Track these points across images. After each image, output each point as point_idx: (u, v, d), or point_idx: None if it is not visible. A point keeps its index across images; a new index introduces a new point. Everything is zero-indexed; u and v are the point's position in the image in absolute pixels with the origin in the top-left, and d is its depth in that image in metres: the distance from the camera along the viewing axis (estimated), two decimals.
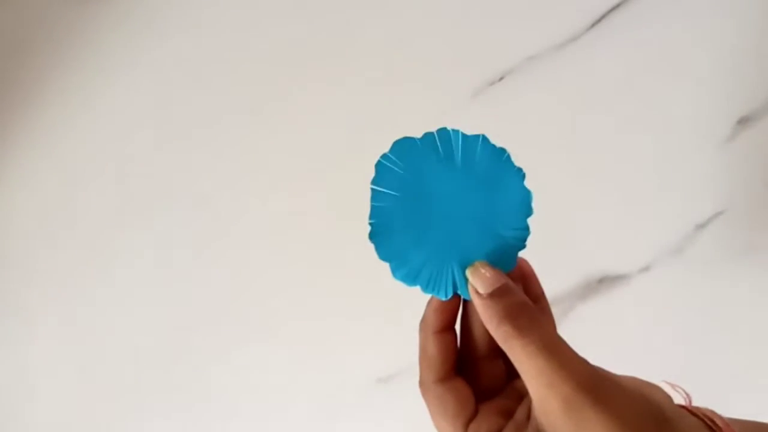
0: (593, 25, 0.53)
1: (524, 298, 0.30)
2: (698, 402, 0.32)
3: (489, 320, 0.29)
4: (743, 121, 0.53)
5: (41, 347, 0.55)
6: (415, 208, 0.32)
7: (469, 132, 0.32)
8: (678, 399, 0.32)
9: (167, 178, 0.56)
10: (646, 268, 0.52)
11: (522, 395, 0.32)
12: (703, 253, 0.52)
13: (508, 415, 0.31)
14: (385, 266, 0.52)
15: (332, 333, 0.54)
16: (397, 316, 0.53)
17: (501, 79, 0.52)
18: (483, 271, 0.30)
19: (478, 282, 0.30)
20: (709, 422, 0.29)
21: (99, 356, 0.55)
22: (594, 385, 0.27)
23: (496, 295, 0.30)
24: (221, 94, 0.56)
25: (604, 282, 0.52)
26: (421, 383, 0.33)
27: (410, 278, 0.32)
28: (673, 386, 0.32)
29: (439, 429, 0.32)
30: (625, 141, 0.53)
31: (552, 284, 0.35)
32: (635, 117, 0.53)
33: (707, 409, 0.31)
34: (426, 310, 0.32)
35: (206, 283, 0.55)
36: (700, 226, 0.52)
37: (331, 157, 0.55)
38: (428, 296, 0.33)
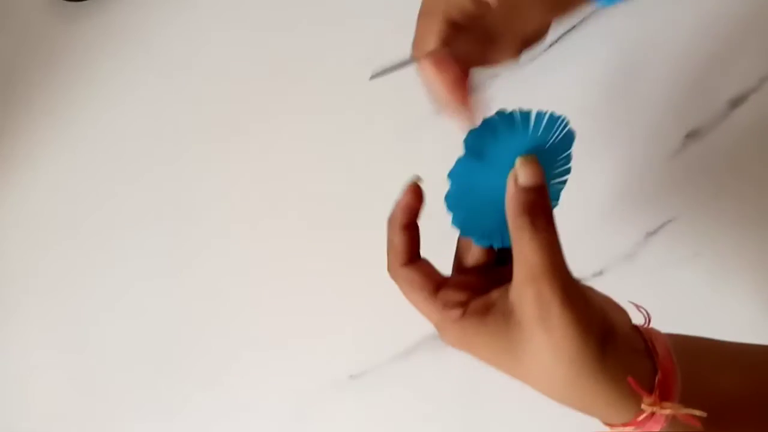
0: (550, 45, 0.56)
1: (549, 205, 0.34)
2: None
3: (514, 207, 0.33)
4: (692, 135, 0.55)
5: (36, 351, 0.58)
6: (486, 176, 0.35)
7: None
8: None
9: (160, 188, 0.58)
10: (599, 273, 0.55)
11: (500, 281, 0.35)
12: (653, 259, 0.55)
13: (477, 289, 0.35)
14: (360, 263, 0.55)
15: (304, 330, 0.56)
16: (369, 314, 0.56)
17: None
18: (531, 165, 0.34)
19: (523, 173, 0.34)
20: (650, 344, 0.34)
21: (93, 359, 0.57)
22: (567, 291, 0.32)
23: (530, 190, 0.33)
24: (211, 108, 0.58)
25: None
26: (390, 269, 0.37)
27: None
28: (638, 307, 0.37)
29: (412, 303, 0.37)
30: (580, 153, 0.56)
31: None
32: (589, 130, 0.56)
33: (656, 332, 0.36)
34: (394, 210, 0.37)
35: (190, 286, 0.57)
36: (651, 234, 0.55)
37: (308, 168, 0.58)
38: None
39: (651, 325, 0.37)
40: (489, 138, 0.34)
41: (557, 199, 0.37)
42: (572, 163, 0.37)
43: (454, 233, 0.37)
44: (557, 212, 0.34)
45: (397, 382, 0.56)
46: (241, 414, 0.56)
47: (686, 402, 0.33)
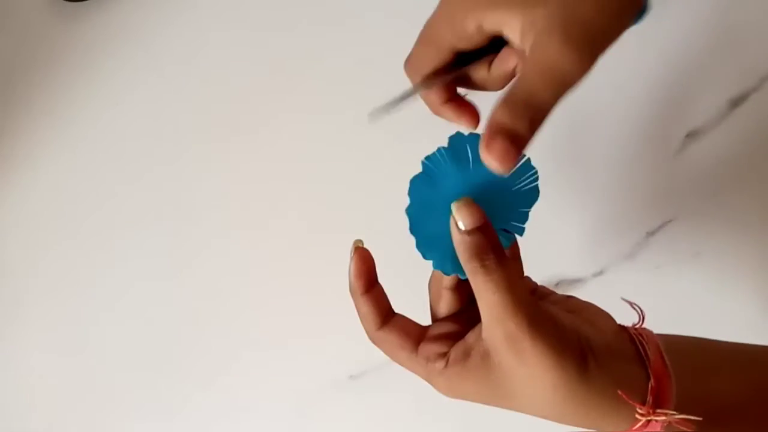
0: None
1: (497, 242, 0.33)
2: None
3: (461, 254, 0.33)
4: (692, 135, 0.56)
5: (36, 351, 0.58)
6: (438, 206, 0.35)
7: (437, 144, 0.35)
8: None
9: (160, 188, 0.58)
10: (600, 273, 0.55)
11: (474, 322, 0.36)
12: (653, 258, 0.55)
13: (455, 335, 0.36)
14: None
15: (304, 330, 0.56)
16: None
17: (465, 95, 0.55)
18: (467, 208, 0.33)
19: (461, 217, 0.33)
20: (641, 349, 0.34)
21: (93, 359, 0.57)
22: (533, 323, 0.32)
23: (473, 233, 0.33)
24: (211, 108, 0.58)
25: (560, 285, 0.55)
26: (369, 338, 0.38)
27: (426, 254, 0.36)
28: (631, 305, 0.37)
29: (398, 363, 0.37)
30: (580, 154, 0.56)
31: None
32: (590, 130, 0.56)
33: (648, 333, 0.36)
34: (350, 280, 0.37)
35: (190, 286, 0.57)
36: (651, 234, 0.55)
37: (308, 168, 0.58)
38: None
39: (644, 325, 0.37)
40: (444, 165, 0.35)
41: (524, 222, 0.36)
42: (539, 182, 0.36)
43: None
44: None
45: (397, 382, 0.56)
46: (241, 414, 0.56)
47: (682, 403, 0.33)
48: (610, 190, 0.55)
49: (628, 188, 0.55)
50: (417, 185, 0.35)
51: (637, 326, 0.36)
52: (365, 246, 0.38)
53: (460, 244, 0.33)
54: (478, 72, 0.38)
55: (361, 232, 0.56)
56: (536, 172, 0.35)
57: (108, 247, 0.58)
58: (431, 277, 0.38)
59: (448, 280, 0.37)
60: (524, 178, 0.35)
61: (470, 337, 0.35)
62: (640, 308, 0.37)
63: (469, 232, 0.33)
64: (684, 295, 0.55)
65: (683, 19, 0.56)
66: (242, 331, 0.57)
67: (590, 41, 0.32)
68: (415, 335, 0.36)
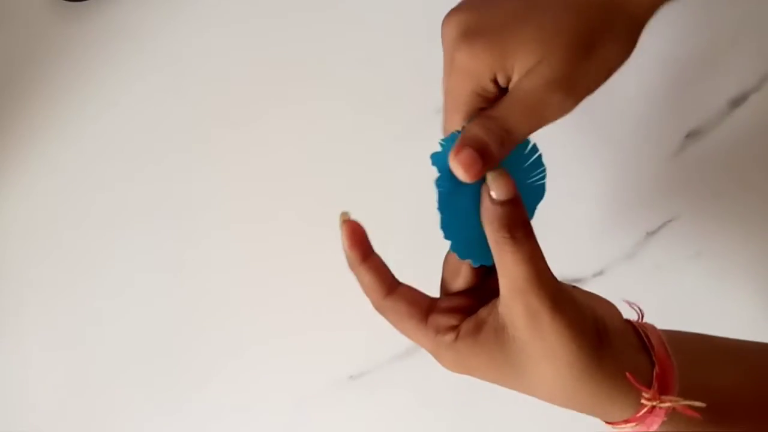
0: None
1: (526, 217, 0.34)
2: None
3: (491, 223, 0.33)
4: (692, 135, 0.56)
5: (34, 350, 0.58)
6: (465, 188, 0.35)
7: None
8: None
9: (159, 187, 0.58)
10: (600, 273, 0.55)
11: (486, 298, 0.36)
12: (653, 259, 0.55)
13: (467, 310, 0.35)
14: None
15: (304, 330, 0.56)
16: (369, 314, 0.56)
17: None
18: (503, 179, 0.33)
19: (497, 187, 0.33)
20: (645, 338, 0.35)
21: (91, 357, 0.57)
22: (555, 299, 0.32)
23: (506, 204, 0.33)
24: (211, 108, 0.58)
25: None
26: (374, 306, 0.37)
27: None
28: (630, 304, 0.37)
29: (404, 333, 0.37)
30: (580, 154, 0.56)
31: None
32: (589, 130, 0.56)
33: (650, 326, 0.36)
34: (345, 253, 0.37)
35: (189, 285, 0.57)
36: (651, 234, 0.55)
37: (308, 167, 0.58)
38: None
39: (644, 320, 0.37)
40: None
41: (532, 214, 0.37)
42: (546, 179, 0.37)
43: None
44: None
45: (397, 382, 0.56)
46: (241, 413, 0.56)
47: (684, 395, 0.33)
48: (610, 190, 0.55)
49: (628, 188, 0.55)
50: (442, 186, 0.35)
51: (637, 322, 0.37)
52: (352, 217, 0.37)
53: (491, 213, 0.33)
54: None
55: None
56: (545, 170, 0.36)
57: (106, 244, 0.58)
58: (448, 252, 0.38)
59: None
60: (535, 174, 0.36)
61: (483, 311, 0.35)
62: (639, 307, 0.37)
63: (501, 203, 0.33)
64: (684, 295, 0.55)
65: (683, 19, 0.56)
66: (241, 330, 0.57)
67: (575, 85, 0.33)
68: (424, 305, 0.36)
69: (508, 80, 0.34)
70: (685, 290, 0.55)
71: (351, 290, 0.56)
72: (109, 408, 0.57)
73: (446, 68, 0.36)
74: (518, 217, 0.33)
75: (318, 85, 0.58)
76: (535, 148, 0.36)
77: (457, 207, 0.35)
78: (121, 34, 0.59)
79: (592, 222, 0.55)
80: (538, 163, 0.36)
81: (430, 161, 0.35)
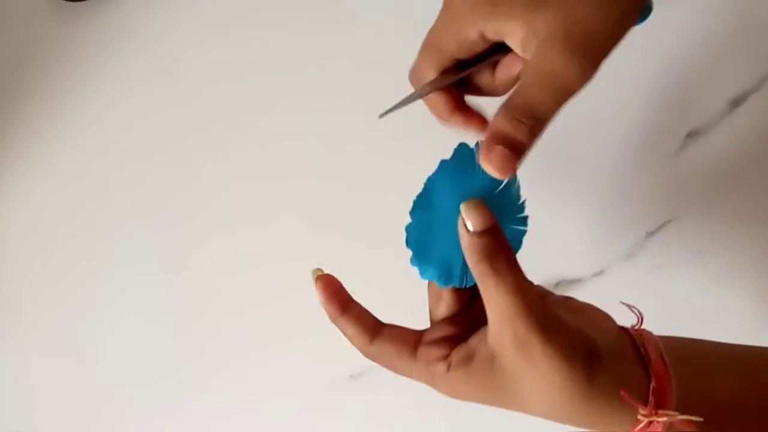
0: None
1: (507, 244, 0.33)
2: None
3: (471, 256, 0.33)
4: (692, 135, 0.56)
5: (35, 351, 0.58)
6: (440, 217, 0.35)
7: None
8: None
9: (159, 188, 0.58)
10: (600, 273, 0.55)
11: (473, 323, 0.35)
12: (653, 258, 0.55)
13: (455, 338, 0.35)
14: (360, 263, 0.55)
15: (304, 330, 0.56)
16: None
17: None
18: (477, 209, 0.33)
19: (471, 218, 0.33)
20: (642, 350, 0.34)
21: (93, 360, 0.57)
22: (544, 326, 0.32)
23: (483, 234, 0.33)
24: (211, 108, 0.58)
25: (560, 285, 0.55)
26: (364, 355, 0.37)
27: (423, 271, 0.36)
28: (630, 307, 0.37)
29: (397, 372, 0.37)
30: (580, 154, 0.56)
31: None
32: (590, 130, 0.56)
33: (647, 334, 0.36)
34: (323, 307, 0.37)
35: (190, 287, 0.57)
36: (651, 234, 0.55)
37: (308, 169, 0.58)
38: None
39: (644, 326, 0.37)
40: (444, 179, 0.35)
41: (520, 244, 0.36)
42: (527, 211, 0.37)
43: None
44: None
45: (397, 383, 0.55)
46: (241, 414, 0.56)
47: (682, 405, 0.33)
48: (610, 190, 0.55)
49: (628, 188, 0.55)
50: (418, 204, 0.35)
51: (636, 328, 0.37)
52: (325, 272, 0.38)
53: (470, 245, 0.33)
54: (483, 78, 0.38)
55: (362, 233, 0.56)
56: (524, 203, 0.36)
57: (107, 247, 0.58)
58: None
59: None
60: (518, 205, 0.36)
61: (473, 340, 0.34)
62: (638, 311, 0.37)
63: (479, 234, 0.33)
64: (684, 295, 0.55)
65: (683, 19, 0.56)
66: (242, 331, 0.57)
67: (592, 48, 0.32)
68: (411, 341, 0.36)
69: (499, 37, 0.33)
70: (684, 290, 0.55)
71: (351, 290, 0.56)
72: (110, 409, 0.57)
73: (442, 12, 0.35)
74: (497, 247, 0.33)
75: (318, 86, 0.58)
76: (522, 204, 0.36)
77: (430, 234, 0.35)
78: (122, 35, 0.59)
79: (592, 222, 0.55)
80: (523, 217, 0.36)
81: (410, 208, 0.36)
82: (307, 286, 0.56)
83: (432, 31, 0.36)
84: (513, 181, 0.35)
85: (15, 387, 0.58)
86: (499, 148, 0.31)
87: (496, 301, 0.32)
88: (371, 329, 0.36)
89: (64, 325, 0.58)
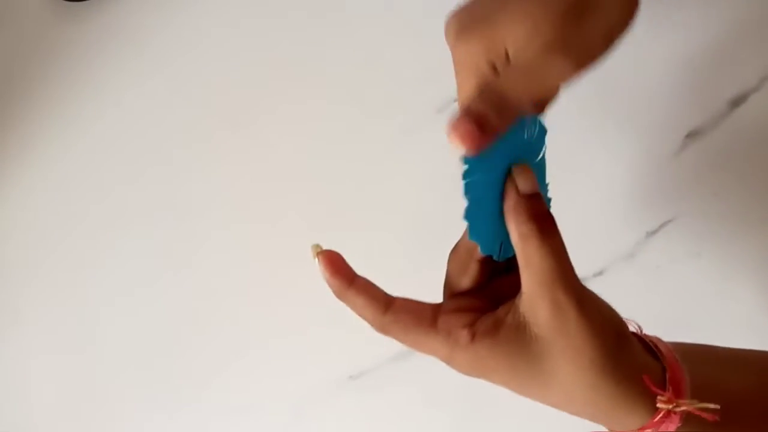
0: None
1: (550, 211, 0.33)
2: None
3: (518, 215, 0.33)
4: (692, 135, 0.56)
5: (35, 351, 0.58)
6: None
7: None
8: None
9: (159, 188, 0.58)
10: (599, 273, 0.55)
11: (494, 300, 0.35)
12: (653, 259, 0.55)
13: (478, 309, 0.34)
14: (360, 262, 0.54)
15: (304, 330, 0.56)
16: None
17: None
18: (528, 173, 0.33)
19: (523, 180, 0.33)
20: (653, 347, 0.34)
21: (92, 359, 0.58)
22: (581, 295, 0.32)
23: (533, 197, 0.33)
24: (211, 108, 0.58)
25: None
26: (376, 327, 0.35)
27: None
28: (627, 321, 0.36)
29: (413, 345, 0.35)
30: (581, 153, 0.56)
31: None
32: (589, 130, 0.56)
33: (655, 338, 0.36)
34: (328, 283, 0.35)
35: (189, 286, 0.57)
36: (651, 234, 0.55)
37: (308, 168, 0.58)
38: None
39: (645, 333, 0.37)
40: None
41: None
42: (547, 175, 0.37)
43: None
44: (555, 214, 0.34)
45: (396, 383, 0.56)
46: (241, 414, 0.56)
47: (695, 398, 0.33)
48: (610, 190, 0.55)
49: (629, 188, 0.55)
50: (474, 167, 0.34)
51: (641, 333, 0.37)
52: (323, 248, 0.36)
53: (518, 205, 0.33)
54: None
55: (361, 232, 0.56)
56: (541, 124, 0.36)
57: (106, 246, 0.58)
58: (456, 247, 0.37)
59: (479, 251, 0.35)
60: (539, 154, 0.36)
61: (501, 310, 0.33)
62: (636, 323, 0.37)
63: (528, 196, 0.33)
64: (684, 295, 0.55)
65: (683, 19, 0.56)
66: (241, 331, 0.57)
67: (578, 50, 0.32)
68: (428, 311, 0.34)
69: (507, 60, 0.33)
70: (685, 290, 0.55)
71: None
72: (110, 409, 0.57)
73: (455, 70, 0.35)
74: (545, 211, 0.33)
75: (318, 86, 0.58)
76: (542, 129, 0.36)
77: (481, 199, 0.34)
78: (121, 35, 0.59)
79: (592, 222, 0.55)
80: (539, 127, 0.35)
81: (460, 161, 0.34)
82: (307, 285, 0.57)
83: (459, 90, 0.36)
84: (543, 160, 0.36)
85: (15, 387, 0.58)
86: (466, 121, 0.31)
87: (537, 263, 0.32)
88: (383, 299, 0.35)
89: (63, 324, 0.58)
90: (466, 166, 0.33)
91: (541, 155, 0.36)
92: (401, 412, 0.56)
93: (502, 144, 0.33)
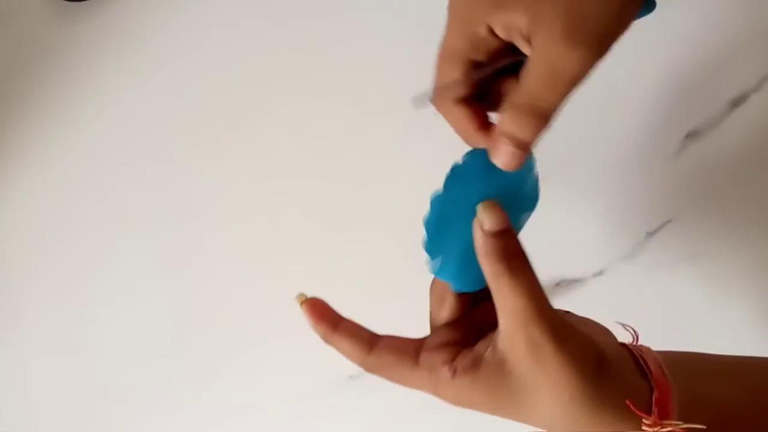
0: None
1: (521, 246, 0.33)
2: None
3: (486, 255, 0.33)
4: (692, 135, 0.56)
5: (35, 351, 0.58)
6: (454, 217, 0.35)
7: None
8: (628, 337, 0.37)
9: (159, 187, 0.58)
10: (600, 273, 0.55)
11: (475, 330, 0.35)
12: (652, 258, 0.55)
13: (458, 343, 0.35)
14: (360, 262, 0.54)
15: (304, 330, 0.56)
16: (369, 314, 0.56)
17: None
18: (494, 210, 0.33)
19: (488, 218, 0.33)
20: (642, 362, 0.34)
21: (92, 359, 0.58)
22: (557, 330, 0.32)
23: (500, 235, 0.33)
24: (211, 108, 0.58)
25: (561, 285, 0.55)
26: (363, 369, 0.36)
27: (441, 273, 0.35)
28: (624, 326, 0.37)
29: (399, 382, 0.35)
30: (581, 153, 0.56)
31: None
32: (590, 130, 0.56)
33: (646, 349, 0.36)
34: (314, 329, 0.36)
35: (189, 286, 0.57)
36: (650, 234, 0.55)
37: (308, 167, 0.58)
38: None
39: (642, 335, 0.37)
40: (458, 181, 0.34)
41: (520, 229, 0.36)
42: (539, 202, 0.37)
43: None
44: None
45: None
46: (241, 414, 0.56)
47: (683, 414, 0.33)
48: (610, 190, 0.55)
49: (628, 188, 0.55)
50: (436, 202, 0.35)
51: (633, 344, 0.36)
52: (308, 296, 0.37)
53: (486, 245, 0.32)
54: (508, 87, 0.37)
55: (361, 232, 0.56)
56: (538, 178, 0.36)
57: (107, 245, 0.58)
58: (433, 282, 0.37)
59: (452, 288, 0.36)
60: (529, 181, 0.36)
61: (480, 346, 0.34)
62: (633, 329, 0.37)
63: (495, 234, 0.33)
64: (684, 295, 0.55)
65: (683, 19, 0.56)
66: (241, 331, 0.57)
67: (595, 37, 0.32)
68: (411, 348, 0.35)
69: (508, 33, 0.33)
70: (684, 290, 0.55)
71: (351, 290, 0.56)
72: (110, 408, 0.57)
73: (447, 22, 0.35)
74: (513, 248, 0.33)
75: (318, 86, 0.58)
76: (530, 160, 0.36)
77: (445, 239, 0.34)
78: (121, 35, 0.59)
79: (592, 222, 0.55)
80: (531, 171, 0.35)
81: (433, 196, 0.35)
82: (306, 283, 0.56)
83: (443, 41, 0.36)
84: (530, 172, 0.36)
85: (15, 387, 0.58)
86: (506, 146, 0.32)
87: (510, 303, 0.32)
88: (367, 341, 0.35)
89: (63, 324, 0.58)
90: (432, 206, 0.34)
91: (530, 183, 0.36)
92: (401, 412, 0.56)
93: (471, 182, 0.34)
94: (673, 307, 0.55)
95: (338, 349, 0.36)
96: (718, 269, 0.55)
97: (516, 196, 0.35)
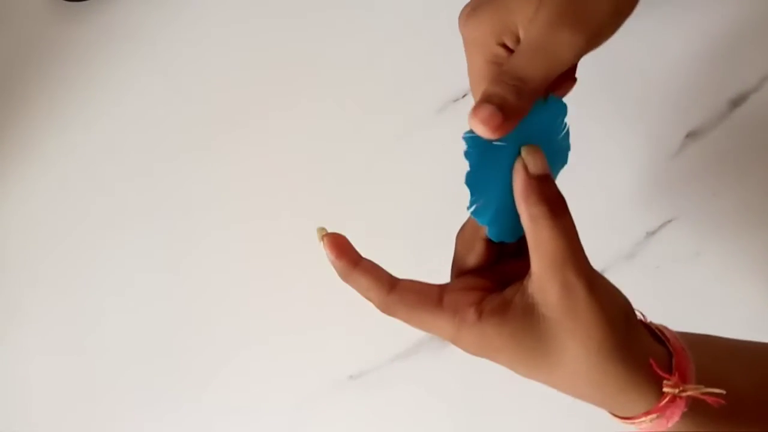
0: None
1: (560, 191, 0.33)
2: None
3: (528, 197, 0.32)
4: (692, 135, 0.56)
5: (35, 351, 0.58)
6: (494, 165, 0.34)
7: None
8: None
9: (159, 187, 0.58)
10: (600, 272, 0.55)
11: (502, 280, 0.35)
12: (653, 258, 0.55)
13: (484, 289, 0.34)
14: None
15: (304, 330, 0.56)
16: (369, 314, 0.55)
17: (464, 96, 0.56)
18: (538, 153, 0.33)
19: (533, 162, 0.33)
20: (660, 334, 0.34)
21: (93, 359, 0.57)
22: (591, 277, 0.32)
23: (543, 178, 0.33)
24: (211, 107, 0.58)
25: None
26: (381, 308, 0.35)
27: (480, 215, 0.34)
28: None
29: (419, 325, 0.34)
30: (581, 153, 0.56)
31: None
32: (589, 131, 0.56)
33: (660, 324, 0.36)
34: (333, 265, 0.35)
35: (189, 285, 0.57)
36: (651, 234, 0.55)
37: (308, 167, 0.58)
38: None
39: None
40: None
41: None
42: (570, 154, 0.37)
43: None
44: None
45: (396, 383, 0.56)
46: (240, 414, 0.56)
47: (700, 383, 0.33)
48: (610, 190, 0.55)
49: (628, 188, 0.55)
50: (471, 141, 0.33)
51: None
52: (328, 231, 0.36)
53: (528, 187, 0.32)
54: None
55: (362, 232, 0.56)
56: (568, 131, 0.36)
57: (106, 245, 0.58)
58: (463, 227, 0.37)
59: (485, 230, 0.35)
60: (561, 137, 0.36)
61: (509, 290, 0.33)
62: (641, 312, 0.37)
63: (538, 177, 0.33)
64: (684, 295, 0.55)
65: (683, 19, 0.56)
66: (241, 331, 0.57)
67: (587, 26, 0.32)
68: (434, 290, 0.34)
69: (517, 39, 0.33)
70: (685, 290, 0.55)
71: (351, 290, 0.56)
72: (110, 409, 0.57)
73: (465, 51, 0.35)
74: (554, 191, 0.33)
75: (318, 86, 0.58)
76: (563, 110, 0.35)
77: (486, 182, 0.33)
78: (121, 35, 0.59)
79: (592, 222, 0.55)
80: (563, 124, 0.35)
81: (462, 141, 0.33)
82: (306, 283, 0.57)
83: (468, 68, 0.36)
84: (562, 124, 0.35)
85: (15, 387, 0.58)
86: (485, 105, 0.31)
87: (547, 244, 0.31)
88: (388, 279, 0.35)
89: (63, 323, 0.58)
90: (469, 148, 0.33)
91: (562, 134, 0.36)
92: (401, 412, 0.56)
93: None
94: (674, 307, 0.54)
95: (357, 286, 0.35)
96: (719, 269, 0.55)
97: (551, 146, 0.35)
